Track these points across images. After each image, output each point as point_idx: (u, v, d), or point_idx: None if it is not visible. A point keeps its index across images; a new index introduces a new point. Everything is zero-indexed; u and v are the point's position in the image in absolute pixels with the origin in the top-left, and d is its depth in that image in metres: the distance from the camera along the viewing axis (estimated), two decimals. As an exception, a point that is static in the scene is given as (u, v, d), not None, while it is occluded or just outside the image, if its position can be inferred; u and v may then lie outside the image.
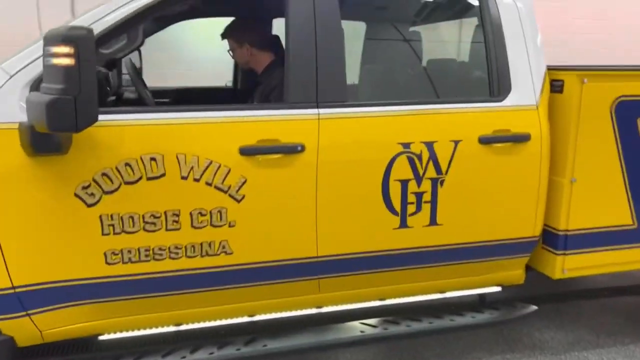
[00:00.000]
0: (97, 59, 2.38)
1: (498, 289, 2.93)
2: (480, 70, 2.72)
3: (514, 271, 2.90)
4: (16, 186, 2.04)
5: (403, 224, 2.53)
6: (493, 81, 2.68)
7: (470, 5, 2.79)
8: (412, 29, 3.05)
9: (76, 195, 2.11)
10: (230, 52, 2.95)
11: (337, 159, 2.40)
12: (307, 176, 2.36)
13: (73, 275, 2.18)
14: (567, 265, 2.85)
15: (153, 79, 3.98)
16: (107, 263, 2.20)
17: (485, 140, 2.58)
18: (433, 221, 2.58)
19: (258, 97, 2.78)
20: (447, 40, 3.10)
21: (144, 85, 2.84)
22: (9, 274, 2.08)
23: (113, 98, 2.68)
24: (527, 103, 2.68)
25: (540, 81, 2.71)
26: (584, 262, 2.88)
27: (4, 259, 2.07)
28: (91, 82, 1.80)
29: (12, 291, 2.10)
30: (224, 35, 2.94)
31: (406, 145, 2.47)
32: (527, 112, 2.67)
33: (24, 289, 2.11)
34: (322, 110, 2.39)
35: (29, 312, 2.15)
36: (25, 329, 2.18)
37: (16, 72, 2.07)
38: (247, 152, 2.27)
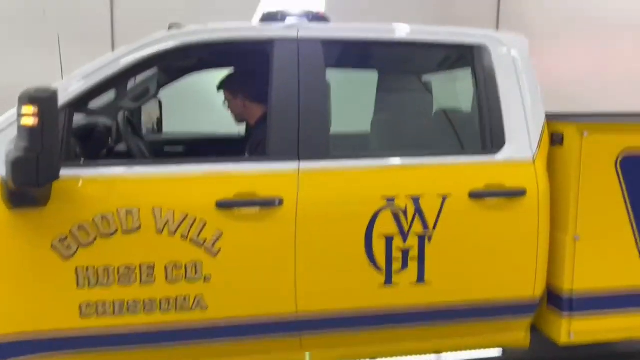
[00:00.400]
0: (87, 113, 2.48)
1: (499, 353, 2.75)
2: (472, 123, 2.64)
3: (517, 333, 2.72)
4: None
5: (388, 281, 2.44)
6: (486, 134, 2.59)
7: (462, 55, 2.73)
8: (402, 79, 3.04)
9: (53, 247, 2.16)
10: (225, 103, 3.01)
11: (317, 214, 2.35)
12: (285, 230, 2.32)
13: (48, 326, 2.20)
14: (574, 329, 2.65)
15: (175, 125, 4.07)
16: (81, 315, 2.21)
17: (476, 195, 2.48)
18: (421, 279, 2.47)
19: (248, 149, 2.80)
20: (441, 92, 3.07)
21: (140, 137, 2.91)
22: None
23: (106, 150, 2.75)
24: (522, 156, 2.57)
25: (537, 134, 2.60)
26: (594, 326, 2.68)
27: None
28: (53, 140, 1.86)
29: (-12, 341, 2.13)
30: (219, 87, 3.01)
31: (390, 200, 2.40)
32: (522, 166, 2.55)
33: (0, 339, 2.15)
34: (302, 164, 2.37)
35: (5, 362, 2.17)
36: (0, 379, 2.20)
37: (3, 129, 2.17)
38: (223, 205, 2.26)
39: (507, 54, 2.66)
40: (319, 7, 2.68)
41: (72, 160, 2.30)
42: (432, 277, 2.48)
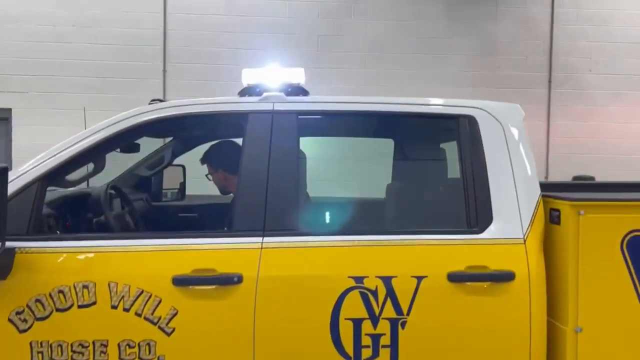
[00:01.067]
0: (63, 185, 2.54)
1: None
2: (457, 198, 2.45)
3: None
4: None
5: (357, 372, 2.23)
6: (471, 210, 2.39)
7: (447, 127, 2.59)
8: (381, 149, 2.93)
9: (10, 320, 2.16)
10: (209, 176, 3.00)
11: (277, 293, 2.23)
12: (243, 310, 2.21)
13: (2, 400, 2.18)
14: None
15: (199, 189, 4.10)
16: (34, 393, 2.17)
17: (455, 278, 2.26)
18: (393, 369, 2.25)
19: (226, 223, 2.74)
20: (424, 165, 2.91)
21: (130, 210, 2.94)
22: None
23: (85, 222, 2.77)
24: (511, 236, 2.34)
25: (530, 211, 2.37)
26: None
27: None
28: None
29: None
30: (202, 161, 3.02)
31: (359, 280, 2.24)
32: (510, 247, 2.32)
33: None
34: (266, 239, 2.28)
35: None
36: None
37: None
38: (179, 282, 2.19)
39: (496, 125, 2.49)
40: (299, 79, 2.62)
41: (44, 233, 2.34)
42: (408, 367, 2.25)
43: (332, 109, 2.54)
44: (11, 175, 2.22)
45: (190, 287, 2.20)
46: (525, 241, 2.33)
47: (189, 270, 2.21)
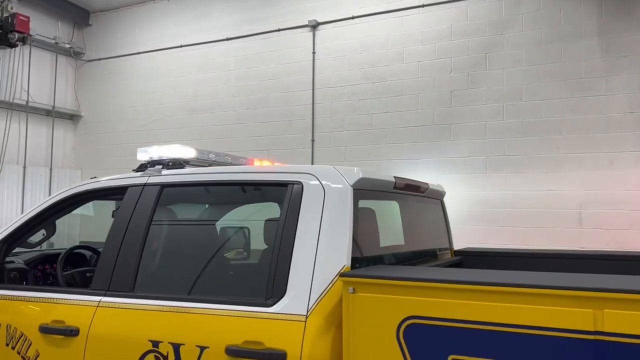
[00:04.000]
0: (25, 246, 3.32)
1: None
2: (264, 267, 2.32)
3: None
4: None
5: None
6: (269, 282, 2.25)
7: (274, 194, 2.48)
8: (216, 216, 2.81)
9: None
10: None
11: (100, 348, 2.50)
12: (77, 357, 2.54)
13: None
14: None
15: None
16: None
17: (232, 352, 2.17)
18: None
19: None
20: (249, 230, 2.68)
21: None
22: None
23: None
24: (293, 312, 2.13)
25: (323, 286, 2.12)
26: None
27: None
28: None
29: None
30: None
31: (155, 344, 2.35)
32: (289, 324, 2.11)
33: None
34: (105, 298, 2.59)
35: None
36: None
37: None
38: (43, 330, 2.67)
39: (317, 193, 2.31)
40: (189, 154, 2.89)
41: (6, 282, 3.13)
42: None
43: (186, 180, 2.74)
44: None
45: (49, 334, 2.65)
46: (307, 318, 2.09)
47: (49, 320, 2.67)
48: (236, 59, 8.83)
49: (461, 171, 7.10)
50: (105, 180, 3.03)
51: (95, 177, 3.23)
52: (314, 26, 8.17)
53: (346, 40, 7.96)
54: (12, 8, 9.15)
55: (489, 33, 7.02)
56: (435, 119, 7.29)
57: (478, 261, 3.47)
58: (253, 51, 8.67)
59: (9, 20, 9.05)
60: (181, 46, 9.36)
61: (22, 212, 9.49)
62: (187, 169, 2.84)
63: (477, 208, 6.94)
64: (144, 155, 3.01)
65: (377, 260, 2.59)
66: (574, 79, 6.49)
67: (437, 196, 3.54)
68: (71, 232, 9.01)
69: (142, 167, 2.97)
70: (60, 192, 3.12)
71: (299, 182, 2.39)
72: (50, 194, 10.00)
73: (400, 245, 3.31)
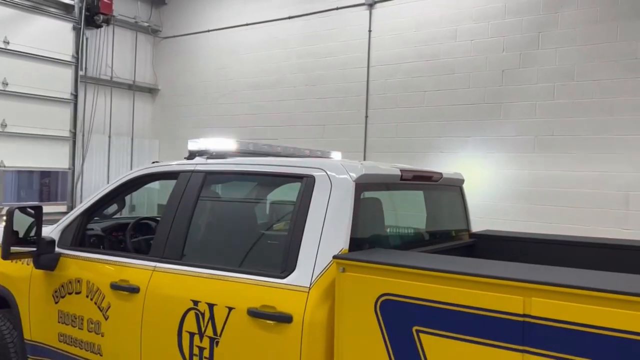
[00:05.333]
0: (101, 218, 4.02)
1: None
2: (281, 246, 2.82)
3: None
4: (28, 284, 3.81)
5: (190, 371, 2.93)
6: (284, 258, 2.75)
7: (293, 185, 2.95)
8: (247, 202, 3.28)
9: (53, 295, 3.71)
10: None
11: (155, 303, 3.12)
12: (137, 312, 3.19)
13: (46, 342, 3.73)
14: None
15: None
16: (59, 341, 3.65)
17: (252, 313, 2.71)
18: (210, 377, 2.84)
19: None
20: (273, 216, 3.12)
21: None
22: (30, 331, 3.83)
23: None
24: (300, 284, 2.62)
25: (323, 264, 2.60)
26: None
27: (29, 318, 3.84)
28: (5, 237, 3.41)
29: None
30: None
31: (195, 303, 2.93)
32: (296, 294, 2.61)
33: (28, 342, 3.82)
34: (159, 264, 3.20)
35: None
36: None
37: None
38: (113, 286, 3.33)
39: (325, 185, 2.76)
40: (232, 146, 3.43)
41: (87, 246, 3.84)
42: (219, 379, 2.81)
43: (223, 169, 3.27)
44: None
45: (117, 290, 3.32)
46: (309, 290, 2.58)
47: (117, 279, 3.34)
48: (297, 36, 9.25)
49: (509, 150, 7.23)
50: (163, 166, 3.64)
51: (156, 162, 3.84)
52: (371, 4, 8.41)
53: (401, 18, 8.16)
54: (97, -9, 10.04)
55: (543, 11, 6.98)
56: (486, 97, 7.42)
57: (491, 244, 3.79)
58: (313, 29, 9.06)
59: (95, 3, 9.96)
60: (247, 24, 9.90)
61: (107, 177, 10.58)
62: (228, 160, 3.37)
63: (524, 187, 7.08)
64: (194, 145, 3.56)
65: (382, 243, 3.02)
66: (628, 59, 6.40)
67: (455, 183, 3.87)
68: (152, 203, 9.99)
69: (192, 156, 3.54)
70: (128, 174, 3.75)
71: (312, 175, 2.84)
72: (131, 161, 11.05)
73: (418, 228, 3.72)
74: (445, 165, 7.29)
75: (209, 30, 10.53)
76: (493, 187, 7.32)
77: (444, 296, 2.16)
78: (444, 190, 3.79)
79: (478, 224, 4.47)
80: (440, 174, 3.57)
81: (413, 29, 8.04)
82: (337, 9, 8.78)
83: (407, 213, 3.88)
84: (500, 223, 6.66)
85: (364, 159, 8.37)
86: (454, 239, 3.78)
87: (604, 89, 6.56)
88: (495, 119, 7.34)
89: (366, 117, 8.46)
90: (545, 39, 6.98)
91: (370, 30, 8.42)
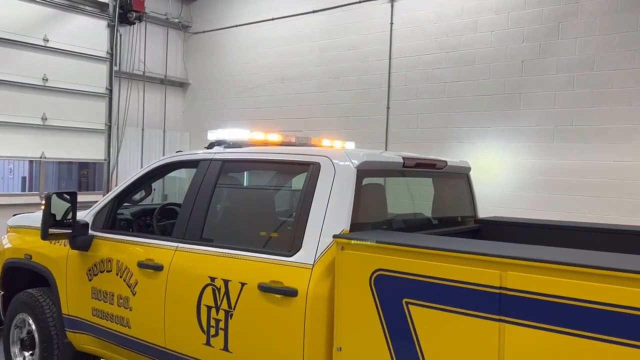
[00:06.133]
0: (130, 203, 4.35)
1: None
2: (289, 227, 3.07)
3: None
4: (65, 264, 4.16)
5: (207, 342, 3.21)
6: (292, 238, 3.00)
7: (301, 171, 3.19)
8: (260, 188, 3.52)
9: (87, 273, 4.06)
10: None
11: (177, 280, 3.42)
12: (160, 286, 3.49)
13: (81, 316, 4.09)
14: None
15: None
16: (92, 315, 4.00)
17: (262, 288, 2.97)
18: (225, 347, 3.12)
19: None
20: (283, 200, 3.36)
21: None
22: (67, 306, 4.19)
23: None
24: (304, 262, 2.86)
25: (325, 244, 2.83)
26: None
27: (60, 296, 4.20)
28: (44, 219, 3.76)
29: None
30: None
31: (212, 279, 3.21)
32: (301, 270, 2.86)
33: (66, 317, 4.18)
34: (180, 245, 3.50)
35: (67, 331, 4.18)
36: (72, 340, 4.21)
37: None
38: (140, 265, 3.64)
39: (330, 171, 2.99)
40: (245, 136, 3.69)
41: (117, 229, 4.17)
42: (234, 348, 3.08)
43: (238, 158, 3.54)
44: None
45: (144, 268, 3.63)
46: (313, 267, 2.82)
47: (144, 258, 3.65)
48: (320, 30, 9.46)
49: (529, 140, 7.30)
50: (185, 155, 3.93)
51: (179, 151, 4.14)
52: (393, -3, 8.55)
53: (422, 10, 8.27)
54: (129, -11, 10.45)
55: (564, 2, 7.00)
56: (506, 88, 7.49)
57: (496, 229, 3.96)
58: (335, 23, 9.25)
59: (128, 1, 10.37)
60: (273, 19, 10.15)
61: (141, 167, 11.03)
62: (243, 149, 3.64)
63: (544, 177, 7.15)
64: (213, 135, 3.84)
65: (383, 225, 3.23)
66: (648, 48, 6.39)
67: (461, 171, 4.05)
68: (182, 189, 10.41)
69: (211, 145, 3.82)
70: (152, 162, 4.07)
71: (317, 162, 3.08)
72: (163, 153, 11.47)
73: (422, 213, 3.92)
74: (466, 155, 7.40)
75: (236, 26, 10.82)
76: (513, 177, 7.40)
77: (429, 271, 2.37)
78: (449, 178, 3.97)
79: (497, 213, 4.64)
80: (445, 161, 3.75)
81: (434, 21, 8.14)
82: (359, 2, 8.94)
83: (415, 199, 4.08)
84: (519, 212, 6.75)
85: (385, 150, 8.54)
86: (458, 224, 3.96)
87: (624, 78, 6.56)
88: (515, 109, 7.41)
89: (388, 108, 8.62)
90: (565, 29, 7.00)
91: (391, 23, 8.56)
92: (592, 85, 6.80)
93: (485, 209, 4.99)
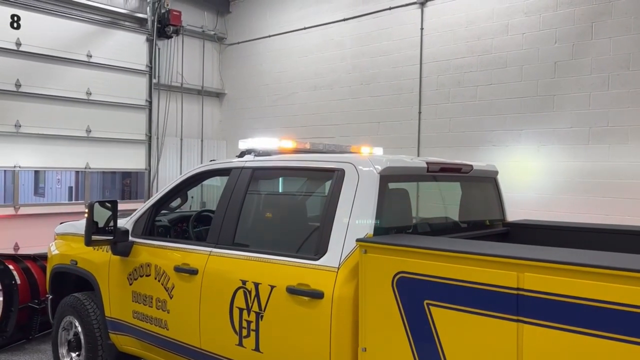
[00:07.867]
0: (167, 210, 4.55)
1: None
2: (315, 232, 3.18)
3: None
4: (108, 269, 4.39)
5: (240, 343, 3.35)
6: (318, 242, 3.11)
7: (325, 177, 3.29)
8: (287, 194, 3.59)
9: (127, 278, 4.27)
10: None
11: (211, 283, 3.58)
12: (195, 289, 3.65)
13: (122, 318, 4.30)
14: None
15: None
16: (133, 317, 4.21)
17: (290, 290, 3.09)
18: (257, 347, 3.25)
19: None
20: (312, 205, 3.43)
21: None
22: (110, 309, 4.42)
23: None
24: (330, 265, 2.97)
25: (350, 247, 2.93)
26: None
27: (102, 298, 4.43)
28: (87, 226, 3.98)
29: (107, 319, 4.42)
30: None
31: (244, 282, 3.35)
32: (326, 273, 2.96)
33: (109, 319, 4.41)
34: (214, 248, 3.66)
35: (110, 332, 4.40)
36: (115, 341, 4.43)
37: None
38: (176, 269, 3.83)
39: (354, 177, 3.09)
40: (274, 145, 3.83)
41: (155, 235, 4.38)
42: (264, 348, 3.21)
43: (267, 165, 3.68)
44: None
45: (179, 273, 3.80)
46: (338, 270, 2.92)
47: (180, 263, 3.82)
48: (351, 37, 9.58)
49: (563, 142, 7.21)
50: (218, 163, 4.10)
51: (213, 160, 4.32)
52: (422, 3, 8.59)
53: (453, 14, 8.28)
54: (167, 5, 10.83)
55: (597, 2, 6.91)
56: (539, 90, 7.42)
57: (523, 232, 3.97)
58: (366, 30, 9.35)
59: (165, 16, 10.75)
60: (305, 28, 10.33)
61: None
62: (272, 157, 3.78)
63: (579, 179, 7.04)
64: (244, 144, 4.00)
65: (408, 229, 3.30)
66: (686, 46, 6.24)
67: (488, 175, 4.08)
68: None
69: (242, 154, 3.97)
70: (188, 171, 4.26)
71: (342, 168, 3.18)
72: (201, 161, 11.79)
73: (449, 217, 3.97)
74: (499, 158, 7.37)
75: (269, 36, 11.06)
76: (548, 180, 7.32)
77: (448, 273, 2.44)
78: (476, 181, 4.00)
79: (533, 216, 4.64)
80: (471, 165, 3.79)
81: (464, 25, 8.14)
82: (389, 9, 9.02)
83: (444, 203, 4.14)
84: (555, 215, 6.68)
85: (418, 155, 8.57)
86: (486, 228, 3.99)
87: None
88: (548, 111, 7.33)
89: (419, 113, 8.65)
90: (599, 29, 6.90)
91: (422, 28, 8.60)
92: (628, 85, 6.67)
93: (521, 213, 4.98)
